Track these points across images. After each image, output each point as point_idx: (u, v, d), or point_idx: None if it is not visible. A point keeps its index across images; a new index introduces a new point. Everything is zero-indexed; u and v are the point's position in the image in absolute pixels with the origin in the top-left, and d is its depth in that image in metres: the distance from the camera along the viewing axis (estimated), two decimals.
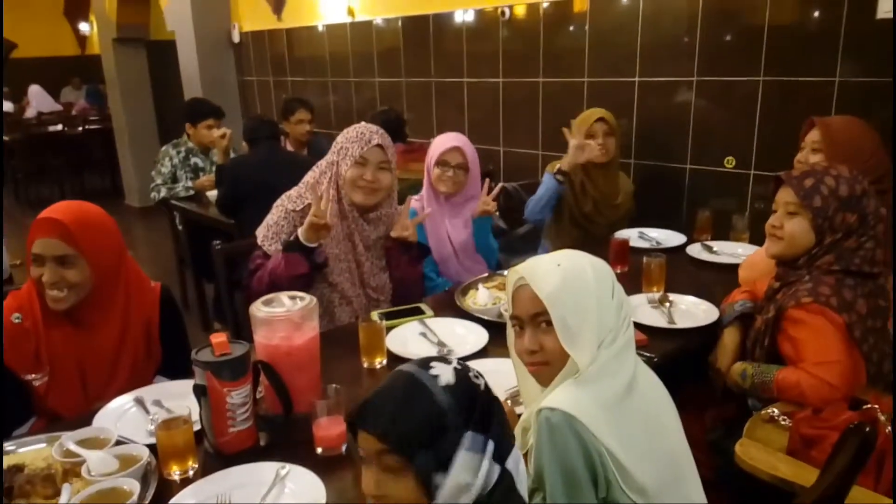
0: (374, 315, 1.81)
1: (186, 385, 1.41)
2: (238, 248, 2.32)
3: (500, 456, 0.91)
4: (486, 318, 1.90)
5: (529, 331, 1.15)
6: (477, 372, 0.96)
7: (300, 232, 1.91)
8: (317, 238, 1.92)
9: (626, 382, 1.11)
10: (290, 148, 3.87)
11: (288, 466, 1.24)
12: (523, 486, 0.95)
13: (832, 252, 1.55)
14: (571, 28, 3.28)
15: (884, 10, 2.33)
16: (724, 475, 1.48)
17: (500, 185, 2.56)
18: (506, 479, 0.91)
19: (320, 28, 4.77)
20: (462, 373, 0.94)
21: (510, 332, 1.22)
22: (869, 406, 1.28)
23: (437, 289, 2.37)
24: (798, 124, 2.22)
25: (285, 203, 2.04)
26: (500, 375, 1.55)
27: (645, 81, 3.07)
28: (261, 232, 2.04)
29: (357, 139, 1.99)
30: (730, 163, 2.85)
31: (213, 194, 3.55)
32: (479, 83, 3.79)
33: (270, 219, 2.04)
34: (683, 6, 2.87)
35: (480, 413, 0.91)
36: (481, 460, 0.89)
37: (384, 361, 1.67)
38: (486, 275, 2.26)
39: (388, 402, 0.90)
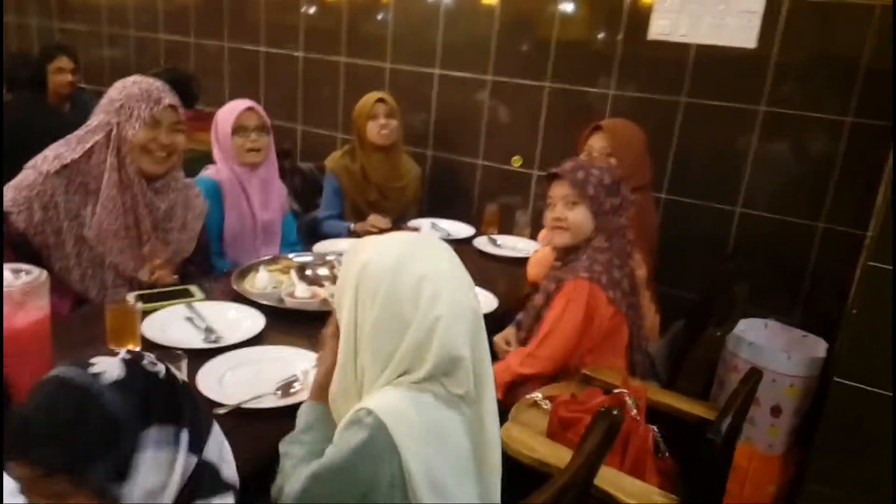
0: (130, 296, 1.59)
1: None
2: None
3: (198, 445, 0.83)
4: (264, 302, 1.77)
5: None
6: (154, 358, 0.85)
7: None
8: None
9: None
10: (52, 100, 3.35)
11: None
12: (232, 469, 0.87)
13: (602, 233, 1.72)
14: (377, 11, 3.22)
15: (654, 32, 2.57)
16: None
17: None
18: (206, 470, 0.82)
19: None
20: (133, 363, 0.82)
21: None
22: (618, 390, 1.38)
23: (216, 272, 2.17)
24: (576, 131, 2.38)
25: (39, 164, 1.72)
26: (280, 363, 1.46)
27: (444, 75, 3.10)
28: (9, 194, 1.69)
29: (144, 98, 1.75)
30: (516, 161, 2.99)
31: None
32: (279, 55, 3.58)
33: (23, 180, 1.71)
34: (482, 10, 2.94)
35: (164, 404, 0.81)
36: (175, 454, 0.80)
37: (138, 349, 1.47)
38: (268, 257, 2.12)
39: (44, 421, 0.77)
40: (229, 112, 2.26)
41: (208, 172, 2.32)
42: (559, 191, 1.73)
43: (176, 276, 1.88)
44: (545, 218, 1.79)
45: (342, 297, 1.05)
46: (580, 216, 1.71)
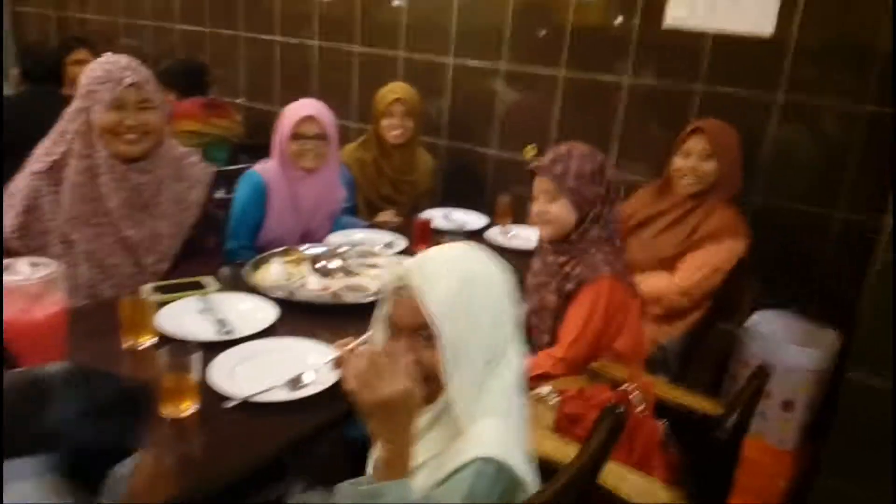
0: (144, 288, 1.62)
1: None
2: None
3: None
4: (276, 295, 1.79)
5: (406, 342, 1.01)
6: None
7: None
8: None
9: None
10: (68, 91, 3.40)
11: None
12: None
13: (597, 223, 1.72)
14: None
15: (671, 18, 2.53)
16: None
17: None
18: None
19: None
20: None
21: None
22: (625, 387, 1.38)
23: (235, 258, 2.13)
24: (591, 119, 2.36)
25: (30, 162, 1.71)
26: (292, 356, 1.47)
27: (458, 64, 3.09)
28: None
29: (106, 79, 1.71)
30: (528, 152, 2.97)
31: None
32: (293, 44, 3.59)
33: (14, 181, 1.71)
34: None
35: None
36: None
37: (155, 339, 1.49)
38: (281, 249, 2.13)
39: None
40: (290, 115, 2.23)
41: (259, 168, 2.30)
42: (541, 185, 1.73)
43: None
44: (530, 212, 1.79)
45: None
46: (561, 209, 1.71)
